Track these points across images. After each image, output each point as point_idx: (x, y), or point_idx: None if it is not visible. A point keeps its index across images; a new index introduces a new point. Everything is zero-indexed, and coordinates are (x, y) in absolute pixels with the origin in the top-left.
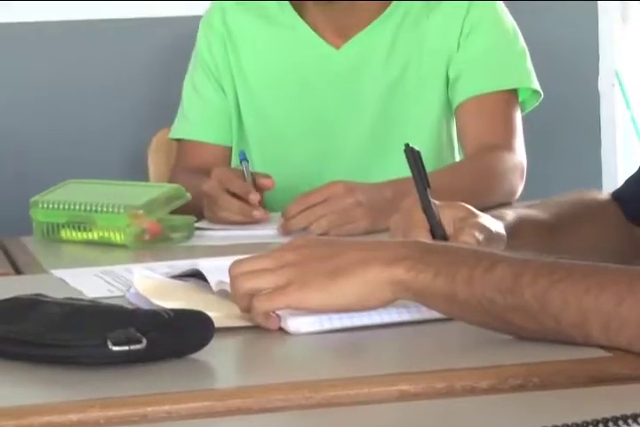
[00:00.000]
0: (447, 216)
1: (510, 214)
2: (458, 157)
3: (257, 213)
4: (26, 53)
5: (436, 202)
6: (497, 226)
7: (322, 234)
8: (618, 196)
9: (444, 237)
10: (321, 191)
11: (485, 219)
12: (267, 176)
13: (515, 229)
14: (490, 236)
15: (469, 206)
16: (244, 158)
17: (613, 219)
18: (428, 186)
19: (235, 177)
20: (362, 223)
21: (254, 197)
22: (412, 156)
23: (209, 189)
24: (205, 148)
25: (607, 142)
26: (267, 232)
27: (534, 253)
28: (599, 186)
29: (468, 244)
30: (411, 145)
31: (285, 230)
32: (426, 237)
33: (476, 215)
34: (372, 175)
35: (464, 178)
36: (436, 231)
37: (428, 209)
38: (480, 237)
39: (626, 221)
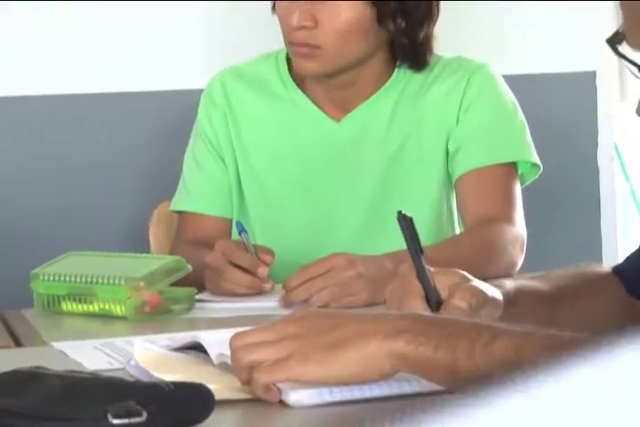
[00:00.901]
0: (442, 282)
1: (509, 284)
2: (458, 230)
3: (267, 287)
4: (25, 127)
5: (431, 269)
6: (493, 291)
7: (323, 306)
8: (619, 270)
9: (439, 303)
10: (322, 263)
11: (480, 284)
12: (268, 251)
13: (513, 298)
14: (484, 300)
15: (464, 273)
16: (242, 229)
17: (614, 292)
18: (422, 252)
19: (239, 249)
20: (362, 296)
21: (263, 270)
22: (405, 222)
23: (212, 262)
24: (206, 220)
25: (607, 215)
26: (267, 304)
27: (534, 326)
28: (599, 259)
29: (460, 308)
30: (403, 212)
31: (286, 302)
32: (421, 304)
33: (470, 281)
34: (372, 248)
35: (464, 251)
36: (431, 297)
37: (422, 275)
38: (473, 301)
39: (627, 295)
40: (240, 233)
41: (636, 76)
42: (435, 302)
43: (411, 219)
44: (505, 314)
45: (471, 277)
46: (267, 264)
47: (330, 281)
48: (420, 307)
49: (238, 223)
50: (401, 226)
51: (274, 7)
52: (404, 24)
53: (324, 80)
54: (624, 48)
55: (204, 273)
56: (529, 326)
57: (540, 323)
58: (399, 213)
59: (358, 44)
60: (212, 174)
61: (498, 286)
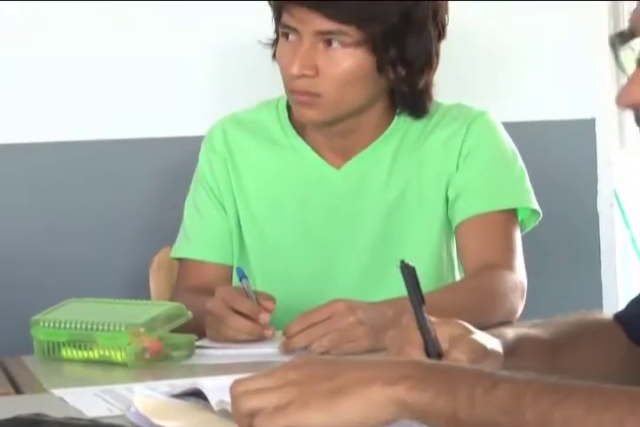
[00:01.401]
0: (443, 333)
1: (509, 333)
2: (458, 276)
3: (268, 333)
4: (25, 175)
5: (432, 319)
6: (493, 343)
7: (323, 353)
8: (620, 317)
9: (439, 355)
10: (322, 310)
11: (481, 336)
12: (269, 298)
13: (513, 348)
14: (485, 353)
15: (465, 324)
16: (243, 276)
17: (616, 340)
18: (423, 302)
19: (240, 296)
20: (363, 342)
21: (264, 317)
22: (407, 272)
23: (213, 308)
24: (207, 267)
25: (607, 262)
26: (268, 351)
27: (536, 373)
28: (600, 306)
29: (460, 361)
30: (406, 261)
31: (287, 349)
32: (419, 355)
33: (471, 332)
34: (373, 294)
35: (465, 297)
36: (431, 348)
37: (422, 326)
38: (472, 355)
39: (628, 343)
40: (241, 279)
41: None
42: (434, 353)
43: (413, 268)
44: (506, 363)
45: (473, 329)
46: (268, 311)
47: (330, 328)
48: (418, 357)
49: (239, 269)
50: (403, 275)
51: (274, 55)
52: (404, 72)
53: (325, 128)
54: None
55: (205, 319)
56: (531, 373)
57: (542, 371)
58: (401, 262)
59: (358, 93)
60: (212, 221)
61: (498, 336)
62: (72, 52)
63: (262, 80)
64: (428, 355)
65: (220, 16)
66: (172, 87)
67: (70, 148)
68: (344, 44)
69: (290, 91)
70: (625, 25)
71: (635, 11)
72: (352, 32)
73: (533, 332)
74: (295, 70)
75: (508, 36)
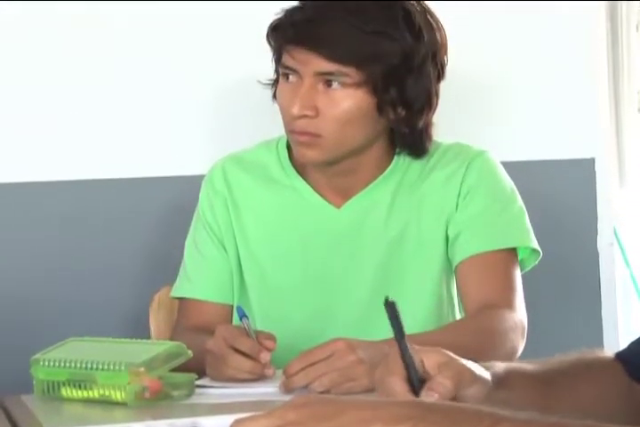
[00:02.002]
0: (430, 360)
1: (499, 365)
2: (459, 315)
3: (269, 372)
4: (25, 214)
5: (417, 347)
6: (480, 371)
7: (323, 392)
8: (622, 356)
9: (422, 381)
10: (322, 349)
11: (468, 363)
12: (269, 337)
13: (502, 380)
14: (472, 378)
15: (449, 352)
16: (243, 315)
17: (616, 378)
18: (403, 335)
19: (240, 335)
20: (363, 381)
21: (265, 356)
22: (389, 306)
23: (214, 347)
24: (207, 306)
25: (607, 301)
26: (268, 390)
27: (538, 413)
28: (600, 344)
29: (445, 386)
30: (390, 299)
31: (287, 388)
32: (402, 385)
33: (456, 360)
34: (373, 333)
35: (465, 337)
36: (413, 377)
37: (404, 355)
38: (458, 377)
39: (629, 381)
40: (241, 318)
41: None
42: (417, 381)
43: (394, 302)
44: (494, 395)
45: (457, 357)
46: (269, 350)
47: (330, 367)
48: (400, 387)
49: (239, 308)
50: (386, 309)
51: (274, 95)
52: (403, 113)
53: (325, 167)
54: None
55: (205, 358)
56: (533, 413)
57: (531, 405)
58: (386, 299)
59: (358, 133)
60: (212, 261)
61: (487, 367)
62: (73, 92)
63: (262, 120)
64: (411, 384)
65: (220, 55)
66: (173, 126)
67: (70, 187)
68: (344, 85)
69: (290, 131)
70: (624, 72)
71: None
72: (352, 73)
73: (524, 366)
74: (295, 111)
75: (508, 77)
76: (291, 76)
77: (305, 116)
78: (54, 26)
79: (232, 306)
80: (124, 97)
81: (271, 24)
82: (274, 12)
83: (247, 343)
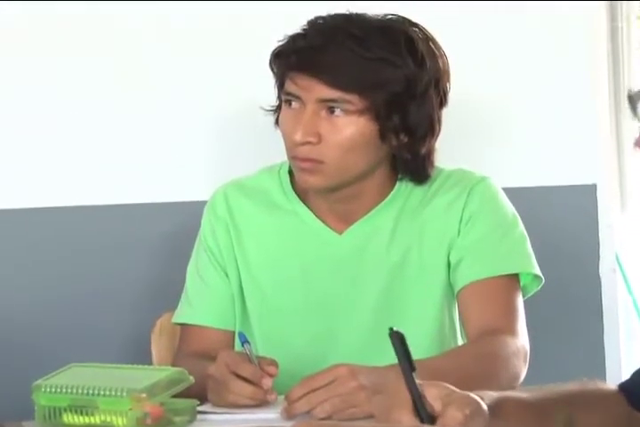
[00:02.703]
0: (432, 394)
1: (492, 394)
2: (461, 340)
3: (271, 398)
4: (26, 241)
5: (419, 382)
6: (482, 401)
7: (325, 418)
8: (624, 386)
9: (432, 417)
10: (324, 375)
11: (470, 394)
12: (271, 363)
13: (497, 409)
14: (478, 409)
15: (450, 386)
16: (245, 340)
17: (617, 408)
18: (414, 369)
19: (242, 361)
20: (365, 407)
21: (267, 382)
22: (396, 338)
23: (216, 373)
24: (208, 332)
25: (609, 327)
26: (270, 416)
27: None
28: (602, 371)
29: (456, 418)
30: (395, 329)
31: (289, 414)
32: (410, 418)
33: (458, 392)
34: (375, 358)
35: (467, 362)
36: (422, 412)
37: (413, 390)
38: (467, 410)
39: (630, 411)
40: (243, 344)
41: None
42: (427, 416)
43: (402, 335)
44: (490, 425)
45: (456, 390)
46: (271, 376)
47: (332, 393)
48: (408, 420)
49: (241, 334)
50: (392, 342)
51: (277, 121)
52: (406, 139)
53: (327, 194)
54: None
55: (207, 384)
56: None
57: None
58: (390, 329)
59: (361, 159)
60: (214, 287)
61: (481, 397)
62: (77, 118)
63: (264, 146)
64: (420, 418)
65: (223, 82)
66: (175, 152)
67: (72, 212)
68: (347, 112)
69: (292, 157)
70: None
71: None
72: (355, 100)
73: (519, 394)
74: (298, 137)
75: (509, 103)
76: (293, 103)
77: (308, 143)
78: (51, 52)
79: (234, 332)
80: (128, 123)
81: (274, 51)
82: (277, 38)
83: (249, 369)
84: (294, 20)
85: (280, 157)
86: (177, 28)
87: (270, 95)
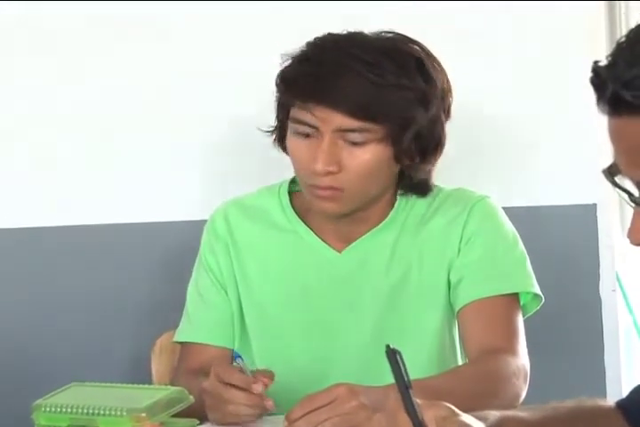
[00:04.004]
0: (429, 415)
1: (494, 414)
2: (461, 360)
3: (268, 404)
4: (25, 259)
5: (418, 401)
6: (479, 425)
7: None
8: (622, 404)
9: None
10: (324, 394)
11: (467, 418)
12: (266, 373)
13: None
14: None
15: (451, 406)
16: (237, 356)
17: (616, 426)
18: (410, 386)
19: (233, 371)
20: (365, 426)
21: (257, 386)
22: (392, 356)
23: (209, 386)
24: (208, 351)
25: (610, 347)
26: None
27: None
28: (603, 390)
29: None
30: (392, 346)
31: None
32: None
33: (457, 414)
34: (375, 377)
35: (468, 382)
36: None
37: (410, 409)
38: None
39: None
40: (235, 359)
41: (630, 205)
42: None
43: (399, 353)
44: None
45: (458, 411)
46: (265, 384)
47: (333, 412)
48: None
49: (233, 351)
50: (389, 360)
51: (276, 140)
52: (418, 159)
53: (338, 217)
54: (621, 179)
55: (204, 401)
56: None
57: None
58: (387, 346)
59: (376, 183)
60: (214, 305)
61: (483, 418)
62: (72, 138)
63: (261, 165)
64: None
65: (220, 101)
66: (174, 171)
67: (72, 232)
68: (366, 140)
69: (311, 185)
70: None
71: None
72: (374, 129)
73: (520, 413)
74: (319, 168)
75: (509, 122)
76: (308, 131)
77: (329, 173)
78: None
79: (233, 350)
80: (125, 143)
81: (281, 74)
82: (276, 52)
83: (239, 377)
84: (288, 39)
85: (276, 175)
86: (172, 45)
87: (266, 114)
